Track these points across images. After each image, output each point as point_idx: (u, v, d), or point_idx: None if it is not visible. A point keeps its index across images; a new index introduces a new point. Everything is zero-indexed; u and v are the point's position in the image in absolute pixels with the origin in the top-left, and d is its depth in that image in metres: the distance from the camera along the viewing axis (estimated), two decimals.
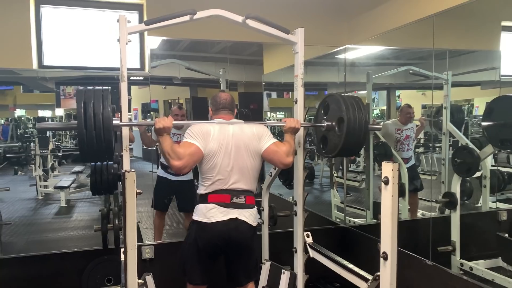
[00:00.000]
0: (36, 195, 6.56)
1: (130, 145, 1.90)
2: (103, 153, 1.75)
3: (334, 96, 2.18)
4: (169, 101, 8.44)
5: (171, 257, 2.91)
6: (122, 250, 1.94)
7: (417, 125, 4.36)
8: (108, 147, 1.72)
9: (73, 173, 7.78)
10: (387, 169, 1.49)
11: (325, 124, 2.16)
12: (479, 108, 6.02)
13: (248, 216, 2.13)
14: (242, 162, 2.12)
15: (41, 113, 12.15)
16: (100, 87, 1.80)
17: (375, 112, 7.37)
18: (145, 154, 7.94)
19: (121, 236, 2.64)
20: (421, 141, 5.95)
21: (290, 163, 2.18)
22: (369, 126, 2.10)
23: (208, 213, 2.08)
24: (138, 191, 1.48)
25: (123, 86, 1.93)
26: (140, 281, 1.54)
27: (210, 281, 2.25)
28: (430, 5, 2.87)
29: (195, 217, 2.15)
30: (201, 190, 2.16)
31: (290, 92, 7.55)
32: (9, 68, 3.39)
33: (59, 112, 12.41)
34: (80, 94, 1.72)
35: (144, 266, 2.80)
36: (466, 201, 3.97)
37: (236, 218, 2.09)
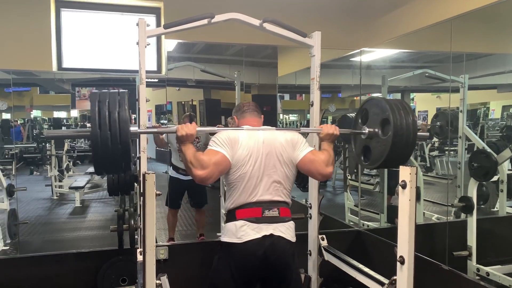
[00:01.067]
0: (51, 195, 6.67)
1: None
2: (120, 167, 1.56)
3: (373, 99, 1.97)
4: (183, 102, 8.52)
5: (185, 258, 2.95)
6: (138, 250, 1.98)
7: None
8: (126, 160, 1.55)
9: (88, 173, 7.90)
10: (405, 173, 1.48)
11: (367, 131, 1.92)
12: (495, 111, 5.95)
13: (285, 230, 1.89)
14: (274, 171, 1.92)
15: (56, 114, 12.34)
16: (116, 90, 1.63)
17: None
18: (158, 156, 8.03)
19: (136, 237, 2.68)
20: (436, 145, 5.91)
21: (330, 174, 1.96)
22: (418, 134, 1.81)
23: (239, 232, 1.85)
24: (158, 192, 1.46)
25: (142, 88, 1.95)
26: (158, 281, 1.55)
27: None
28: (447, 8, 2.85)
29: (224, 238, 1.91)
30: (228, 205, 1.96)
31: (304, 94, 7.55)
32: (29, 70, 3.48)
33: (74, 113, 12.63)
34: (94, 98, 1.53)
35: (158, 267, 2.82)
36: (482, 206, 3.94)
37: (272, 234, 1.85)
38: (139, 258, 1.91)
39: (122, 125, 1.47)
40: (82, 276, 2.89)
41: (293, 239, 1.93)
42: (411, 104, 6.11)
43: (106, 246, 3.10)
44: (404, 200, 1.49)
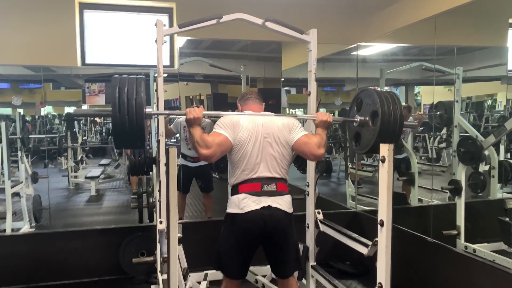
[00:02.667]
0: (68, 185, 7.02)
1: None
2: (134, 139, 1.77)
3: (367, 90, 2.14)
4: (191, 97, 8.77)
5: (196, 235, 3.25)
6: (159, 220, 2.28)
7: (415, 120, 4.56)
8: (140, 133, 1.75)
9: (101, 165, 8.25)
10: (384, 149, 1.75)
11: (358, 119, 2.12)
12: (502, 103, 6.06)
13: (282, 202, 2.10)
14: (272, 151, 2.12)
15: (67, 110, 12.68)
16: (134, 75, 1.86)
17: None
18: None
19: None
20: (444, 137, 6.04)
21: (322, 155, 2.16)
22: (404, 123, 2.03)
23: (241, 204, 2.06)
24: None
25: (160, 81, 2.24)
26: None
27: (246, 274, 2.26)
28: (439, 3, 3.07)
29: (229, 210, 2.13)
30: (231, 181, 2.16)
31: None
32: (47, 66, 3.76)
33: (85, 108, 12.93)
34: (115, 81, 1.74)
35: None
36: (480, 194, 4.17)
37: (269, 206, 2.06)
38: (160, 227, 2.20)
39: (139, 105, 1.71)
40: (105, 250, 3.22)
41: (290, 210, 2.14)
42: (417, 98, 6.26)
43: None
44: (383, 172, 1.76)
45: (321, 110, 5.07)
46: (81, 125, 10.87)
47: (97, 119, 11.24)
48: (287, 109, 6.62)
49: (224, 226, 2.18)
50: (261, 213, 2.05)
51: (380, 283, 1.81)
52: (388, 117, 1.94)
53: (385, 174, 1.75)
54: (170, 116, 3.67)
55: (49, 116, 12.11)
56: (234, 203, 2.10)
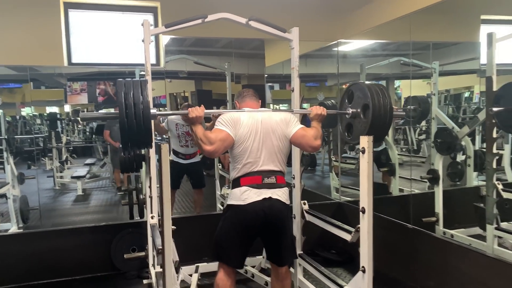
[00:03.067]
0: (54, 185, 6.98)
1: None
2: (143, 142, 1.80)
3: (358, 84, 2.22)
4: (175, 94, 8.80)
5: (186, 229, 3.32)
6: (150, 215, 2.35)
7: None
8: (148, 137, 1.79)
9: (86, 164, 8.21)
10: (364, 141, 1.87)
11: (350, 112, 2.19)
12: (479, 95, 6.27)
13: (281, 194, 2.20)
14: (271, 145, 2.21)
15: (49, 110, 12.49)
16: (138, 79, 1.89)
17: None
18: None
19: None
20: (423, 129, 6.22)
21: (319, 146, 2.28)
22: (394, 113, 2.11)
23: (243, 196, 2.15)
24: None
25: (148, 80, 2.30)
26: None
27: (244, 263, 2.35)
28: (415, 1, 3.20)
29: (230, 201, 2.22)
30: (233, 175, 2.25)
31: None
32: (31, 66, 3.76)
33: (67, 108, 12.77)
34: (120, 85, 1.76)
35: None
36: (458, 182, 4.35)
37: (270, 198, 2.15)
38: (152, 221, 2.27)
39: (145, 108, 1.77)
40: (97, 247, 3.28)
41: (288, 202, 2.26)
42: (398, 92, 6.42)
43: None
44: (364, 162, 1.88)
45: (304, 105, 5.19)
46: (63, 125, 10.77)
47: (79, 118, 11.09)
48: (271, 104, 6.69)
49: (225, 216, 2.26)
50: (262, 204, 2.14)
51: (363, 266, 1.93)
52: (379, 110, 2.03)
53: (365, 164, 1.87)
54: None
55: (29, 116, 11.91)
56: (236, 195, 2.19)
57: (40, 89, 10.79)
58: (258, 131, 2.20)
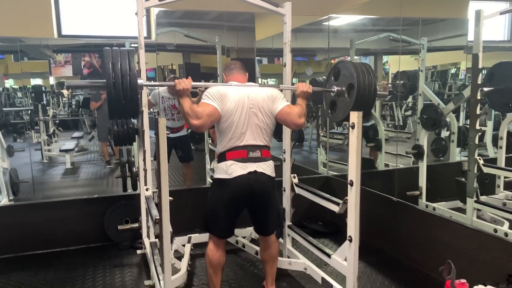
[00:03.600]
0: (42, 159, 6.95)
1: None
2: (130, 112, 1.84)
3: (345, 62, 2.22)
4: (162, 67, 8.70)
5: (176, 202, 3.38)
6: (145, 187, 2.41)
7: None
8: (135, 106, 1.82)
9: (74, 138, 8.15)
10: (353, 116, 1.94)
11: (335, 90, 2.21)
12: (465, 71, 6.35)
13: (266, 168, 2.24)
14: (257, 121, 2.23)
15: (33, 82, 12.21)
16: (125, 48, 1.91)
17: None
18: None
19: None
20: (410, 105, 6.31)
21: (302, 124, 2.31)
22: (378, 93, 2.11)
23: (229, 169, 2.18)
24: None
25: (141, 53, 2.31)
26: (157, 217, 1.89)
27: (233, 233, 2.44)
28: None
29: (217, 175, 2.25)
30: (219, 149, 2.27)
31: (281, 58, 7.80)
32: (17, 37, 3.69)
33: (52, 81, 12.50)
34: (108, 54, 1.74)
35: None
36: (441, 158, 4.48)
37: (255, 171, 2.19)
38: (147, 193, 2.33)
39: (132, 78, 1.76)
40: (91, 218, 3.34)
41: (273, 175, 2.30)
42: (386, 67, 6.46)
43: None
44: (353, 137, 1.95)
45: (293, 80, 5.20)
46: (49, 98, 10.58)
47: (64, 90, 10.92)
48: (259, 79, 6.69)
49: (212, 190, 2.32)
50: (247, 178, 2.19)
51: (350, 236, 2.04)
52: (363, 90, 2.05)
53: (354, 139, 1.94)
54: (149, 88, 3.71)
55: (12, 88, 11.64)
56: (222, 169, 2.22)
57: (23, 60, 10.51)
58: (245, 107, 2.21)
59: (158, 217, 1.76)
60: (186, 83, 2.07)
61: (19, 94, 10.81)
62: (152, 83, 2.27)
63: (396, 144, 4.45)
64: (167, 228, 1.75)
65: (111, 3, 3.22)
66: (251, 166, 2.20)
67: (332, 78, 2.29)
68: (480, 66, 2.82)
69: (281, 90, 2.40)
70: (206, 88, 2.25)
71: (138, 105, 1.90)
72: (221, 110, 2.18)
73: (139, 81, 1.89)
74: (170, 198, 1.75)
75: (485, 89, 2.85)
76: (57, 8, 2.99)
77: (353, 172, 1.96)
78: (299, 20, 4.25)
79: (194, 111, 2.09)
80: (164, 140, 1.69)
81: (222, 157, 2.26)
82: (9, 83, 10.75)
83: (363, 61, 5.84)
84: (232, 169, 2.19)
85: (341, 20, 4.37)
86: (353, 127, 1.94)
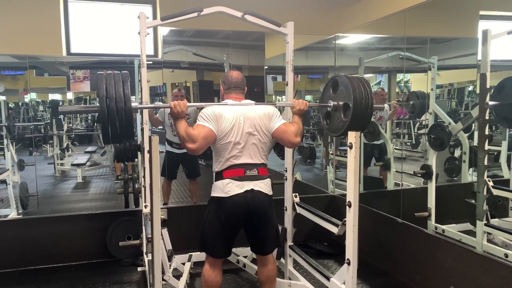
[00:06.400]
0: (54, 172, 7.06)
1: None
2: (124, 136, 1.77)
3: (343, 78, 2.17)
4: (177, 84, 8.84)
5: (181, 218, 3.39)
6: (144, 204, 2.40)
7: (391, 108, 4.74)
8: (129, 130, 1.77)
9: (87, 152, 8.28)
10: (351, 136, 1.90)
11: (331, 104, 2.20)
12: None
13: (263, 186, 2.23)
14: (253, 139, 2.22)
15: (51, 97, 12.54)
16: (119, 71, 1.81)
17: None
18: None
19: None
20: (423, 123, 6.21)
21: (298, 142, 2.29)
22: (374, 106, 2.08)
23: (225, 188, 2.17)
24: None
25: (143, 71, 2.34)
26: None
27: (230, 254, 2.41)
28: None
29: (214, 194, 2.23)
30: (216, 168, 2.26)
31: (299, 75, 7.83)
32: (33, 55, 3.80)
33: (70, 95, 12.82)
34: (101, 79, 1.72)
35: None
36: (455, 178, 4.37)
37: (252, 189, 2.18)
38: (145, 210, 2.32)
39: (127, 101, 1.74)
40: (93, 234, 3.35)
41: (270, 193, 2.28)
42: (408, 85, 6.40)
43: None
44: (351, 157, 1.91)
45: (307, 97, 5.19)
46: None
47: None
48: (273, 95, 6.72)
49: (209, 209, 2.29)
50: (244, 196, 2.17)
51: (348, 259, 1.98)
52: (359, 111, 2.02)
53: (352, 159, 1.91)
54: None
55: (32, 103, 11.95)
56: (219, 187, 2.21)
57: (43, 76, 10.83)
58: (241, 126, 2.20)
59: (150, 236, 1.74)
60: (181, 106, 2.06)
61: (41, 108, 11.10)
62: (145, 105, 2.25)
63: (411, 163, 4.33)
64: (158, 247, 1.73)
65: (120, 22, 3.28)
66: (248, 184, 2.19)
67: (331, 90, 2.25)
68: (488, 86, 2.77)
69: (281, 108, 2.39)
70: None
71: (132, 131, 1.86)
72: (217, 131, 2.17)
73: (133, 105, 1.86)
74: (162, 216, 1.73)
75: (490, 103, 2.75)
76: (66, 26, 3.07)
77: (351, 193, 1.92)
78: (309, 38, 4.27)
79: (189, 135, 2.08)
80: (157, 157, 1.69)
81: (219, 176, 2.24)
82: (29, 97, 11.03)
83: (379, 79, 5.81)
84: (229, 188, 2.17)
85: (349, 39, 4.37)
86: (351, 147, 1.90)
